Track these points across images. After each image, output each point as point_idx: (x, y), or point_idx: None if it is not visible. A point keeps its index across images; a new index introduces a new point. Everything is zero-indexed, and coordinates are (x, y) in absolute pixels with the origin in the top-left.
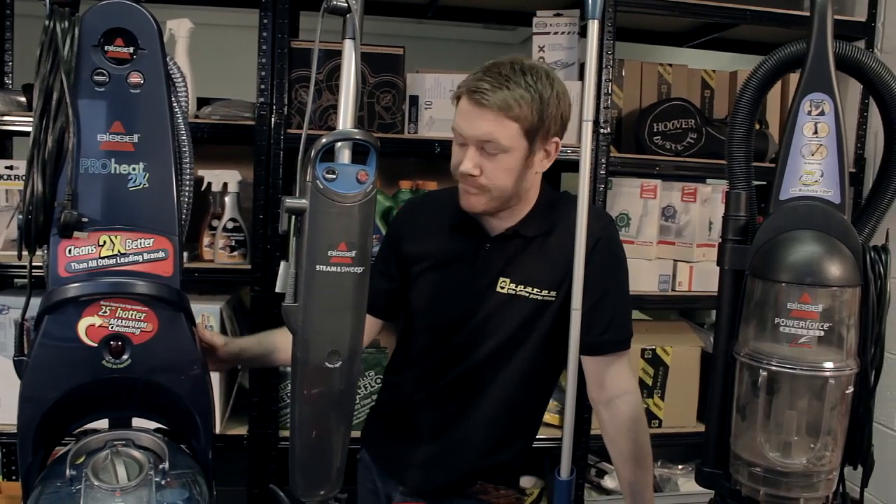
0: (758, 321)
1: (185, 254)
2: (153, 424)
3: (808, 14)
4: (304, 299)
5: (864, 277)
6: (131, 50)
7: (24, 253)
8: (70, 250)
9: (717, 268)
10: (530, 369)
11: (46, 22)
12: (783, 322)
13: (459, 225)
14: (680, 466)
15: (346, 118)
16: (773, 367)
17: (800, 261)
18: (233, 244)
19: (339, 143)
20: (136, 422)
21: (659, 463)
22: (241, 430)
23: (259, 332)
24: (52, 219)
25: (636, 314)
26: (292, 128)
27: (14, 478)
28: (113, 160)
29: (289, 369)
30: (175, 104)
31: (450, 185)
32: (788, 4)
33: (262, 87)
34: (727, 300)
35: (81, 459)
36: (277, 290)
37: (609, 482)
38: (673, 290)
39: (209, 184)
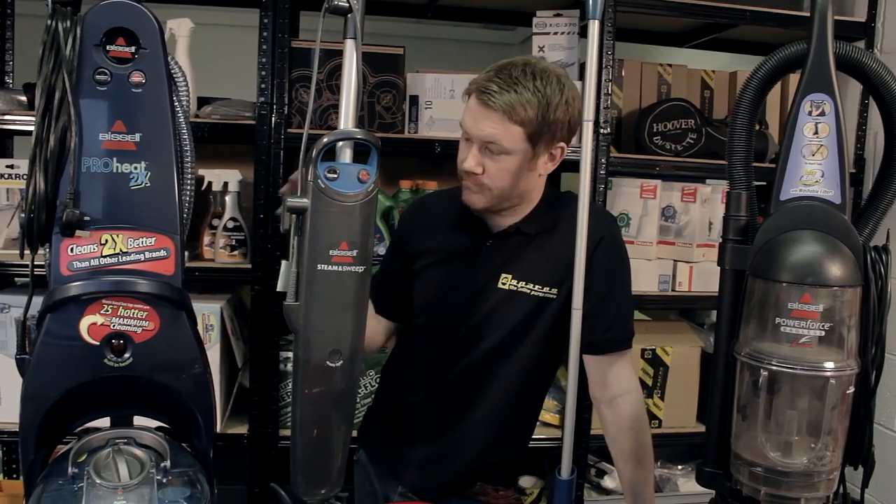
0: (758, 321)
1: (186, 253)
2: (154, 423)
3: (807, 14)
4: (305, 298)
5: (865, 277)
6: (133, 49)
7: (27, 251)
8: (72, 249)
9: (717, 268)
10: (530, 367)
11: (49, 21)
12: (784, 322)
13: (463, 222)
14: (680, 467)
15: (347, 117)
16: (774, 367)
17: (800, 261)
18: (233, 243)
19: (340, 143)
20: (138, 420)
21: (658, 463)
22: (242, 430)
23: (259, 331)
24: (55, 217)
25: (636, 314)
26: (292, 127)
27: (15, 476)
28: (115, 159)
29: (289, 368)
30: (176, 103)
31: (450, 184)
32: (788, 5)
33: (263, 86)
34: (728, 300)
35: (83, 457)
36: (279, 289)
37: (609, 482)
38: (673, 290)
39: (209, 183)
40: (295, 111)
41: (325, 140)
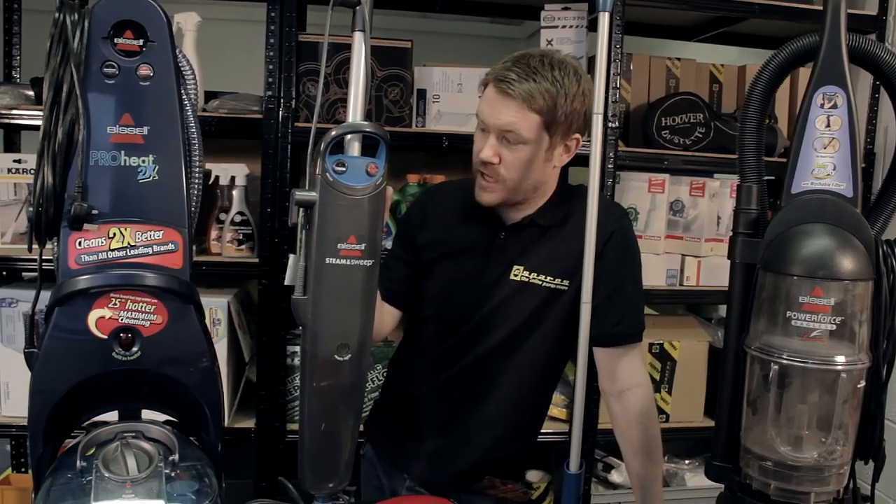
0: (769, 315)
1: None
2: (162, 416)
3: (816, 8)
4: (313, 292)
5: (877, 271)
6: (141, 42)
7: (35, 245)
8: (80, 242)
9: (725, 263)
10: (540, 360)
11: (56, 14)
12: (795, 316)
13: (475, 214)
14: (687, 461)
15: (355, 110)
16: (785, 361)
17: (812, 254)
18: (240, 237)
19: (348, 136)
20: (146, 414)
21: (666, 458)
22: (249, 424)
23: (266, 326)
24: (63, 211)
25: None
26: (300, 121)
27: (24, 470)
28: (123, 152)
29: (296, 363)
30: (184, 96)
31: (457, 178)
32: None
33: (270, 80)
34: (738, 294)
35: (92, 451)
36: (287, 282)
37: (616, 476)
38: (681, 284)
39: (217, 177)
40: (302, 105)
41: (334, 133)
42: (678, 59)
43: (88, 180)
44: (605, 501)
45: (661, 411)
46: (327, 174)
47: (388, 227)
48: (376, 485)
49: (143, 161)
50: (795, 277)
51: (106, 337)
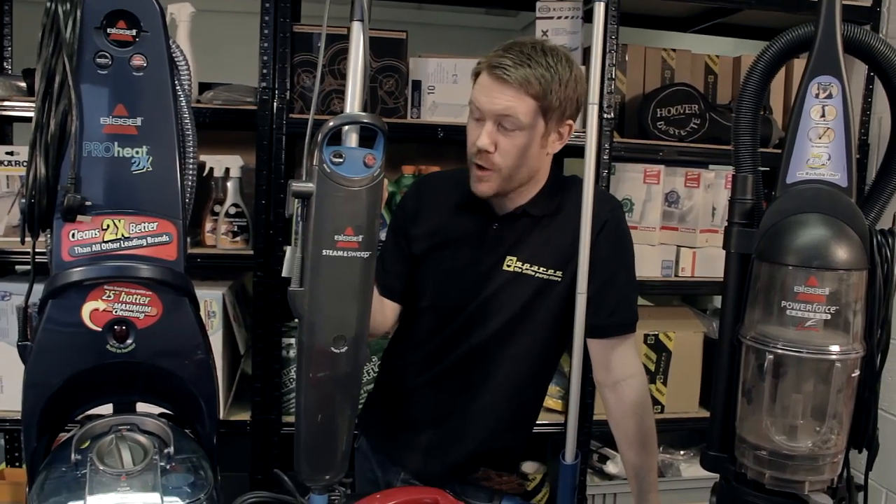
0: (764, 305)
1: (188, 239)
2: (157, 409)
3: None
4: (309, 284)
5: (871, 261)
6: (134, 32)
7: (27, 238)
8: (73, 234)
9: (720, 253)
10: (535, 352)
11: (48, 4)
12: (789, 305)
13: (468, 204)
14: (682, 452)
15: (353, 101)
16: (780, 351)
17: (807, 244)
18: (235, 230)
19: (346, 127)
20: (141, 406)
21: (661, 448)
22: (245, 416)
23: (261, 318)
24: (56, 203)
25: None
26: (295, 112)
27: (18, 464)
28: (116, 143)
29: (292, 355)
30: (178, 87)
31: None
32: None
33: (265, 71)
34: (733, 284)
35: (86, 444)
36: (284, 274)
37: (612, 467)
38: (676, 275)
39: (211, 169)
40: (297, 96)
41: (331, 124)
42: (673, 50)
43: (82, 171)
44: (601, 492)
45: (656, 402)
46: (324, 165)
47: (384, 219)
48: (371, 478)
49: (137, 152)
50: (790, 267)
51: (100, 329)
